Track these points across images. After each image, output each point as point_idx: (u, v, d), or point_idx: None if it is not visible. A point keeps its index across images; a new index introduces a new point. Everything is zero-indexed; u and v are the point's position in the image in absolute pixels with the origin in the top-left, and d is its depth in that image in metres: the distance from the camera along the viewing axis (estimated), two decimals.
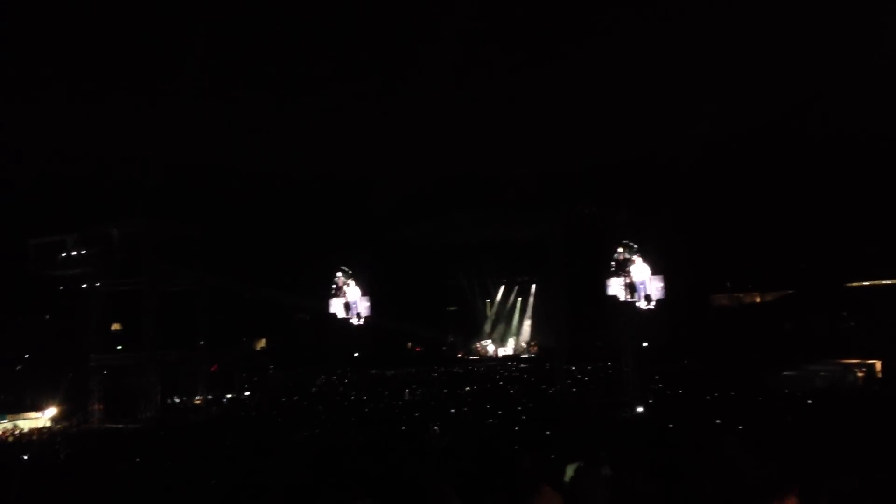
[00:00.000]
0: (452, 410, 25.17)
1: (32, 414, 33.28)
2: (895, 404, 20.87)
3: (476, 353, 53.09)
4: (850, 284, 43.46)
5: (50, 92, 33.29)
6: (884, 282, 42.63)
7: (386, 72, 35.87)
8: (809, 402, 21.97)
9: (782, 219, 40.30)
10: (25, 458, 20.45)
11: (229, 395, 37.51)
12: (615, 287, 28.73)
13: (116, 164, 35.78)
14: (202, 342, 34.67)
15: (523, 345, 53.66)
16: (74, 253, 32.85)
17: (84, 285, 34.52)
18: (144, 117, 34.29)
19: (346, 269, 35.43)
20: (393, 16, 32.31)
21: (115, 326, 39.78)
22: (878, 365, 30.78)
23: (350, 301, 35.19)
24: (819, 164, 36.55)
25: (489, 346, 53.57)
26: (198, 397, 34.85)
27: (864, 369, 29.88)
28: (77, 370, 33.79)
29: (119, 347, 37.76)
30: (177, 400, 36.23)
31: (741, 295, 49.95)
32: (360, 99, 36.79)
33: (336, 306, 35.31)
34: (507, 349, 53.49)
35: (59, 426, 30.84)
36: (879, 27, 26.95)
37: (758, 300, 49.38)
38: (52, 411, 33.46)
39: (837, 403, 21.66)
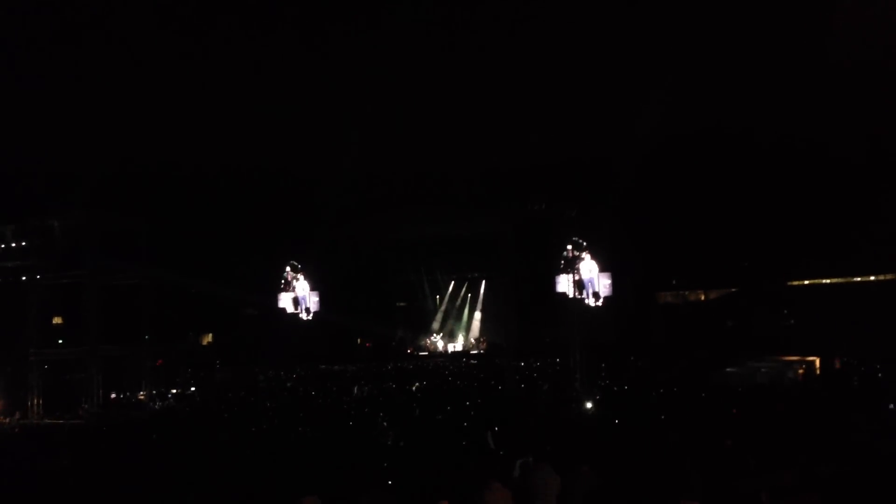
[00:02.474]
0: (401, 406, 25.13)
1: None
2: (833, 399, 21.43)
3: (425, 348, 53.12)
4: (791, 283, 44.62)
5: None
6: (823, 281, 43.90)
7: (334, 65, 35.54)
8: (751, 397, 22.45)
9: (727, 218, 41.09)
10: None
11: (174, 391, 36.92)
12: (564, 284, 28.98)
13: (58, 154, 34.82)
14: (146, 336, 34.09)
15: (472, 341, 53.82)
16: (14, 244, 32.12)
17: (24, 278, 33.69)
18: (88, 106, 33.43)
19: (296, 263, 35.10)
20: (341, 9, 32.02)
21: (57, 320, 38.85)
22: (818, 362, 31.61)
23: (299, 296, 34.88)
24: (763, 165, 37.39)
25: (439, 342, 53.66)
26: (141, 392, 34.25)
27: (803, 366, 30.62)
28: (16, 365, 32.96)
29: (60, 341, 36.92)
30: (120, 395, 35.54)
31: (686, 292, 50.80)
32: (310, 91, 36.40)
33: (285, 301, 34.97)
34: (457, 345, 53.61)
35: None
36: (822, 34, 27.60)
37: (702, 298, 50.29)
38: None
39: (778, 399, 22.16)
